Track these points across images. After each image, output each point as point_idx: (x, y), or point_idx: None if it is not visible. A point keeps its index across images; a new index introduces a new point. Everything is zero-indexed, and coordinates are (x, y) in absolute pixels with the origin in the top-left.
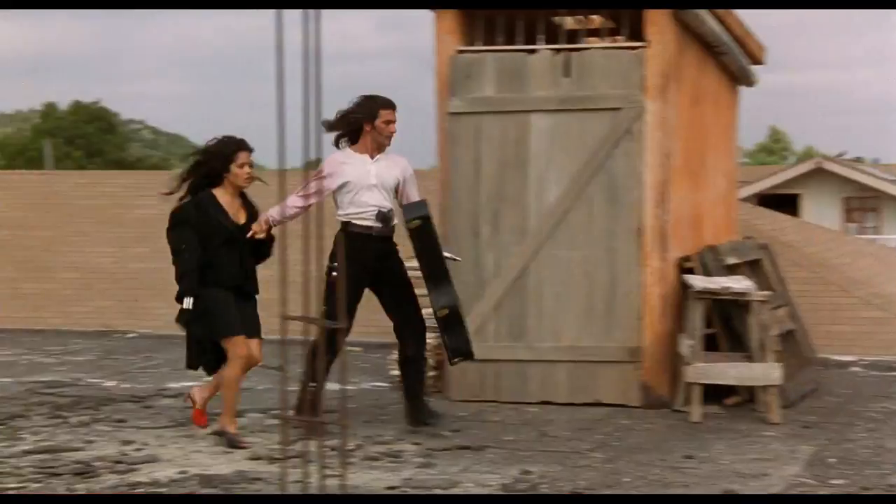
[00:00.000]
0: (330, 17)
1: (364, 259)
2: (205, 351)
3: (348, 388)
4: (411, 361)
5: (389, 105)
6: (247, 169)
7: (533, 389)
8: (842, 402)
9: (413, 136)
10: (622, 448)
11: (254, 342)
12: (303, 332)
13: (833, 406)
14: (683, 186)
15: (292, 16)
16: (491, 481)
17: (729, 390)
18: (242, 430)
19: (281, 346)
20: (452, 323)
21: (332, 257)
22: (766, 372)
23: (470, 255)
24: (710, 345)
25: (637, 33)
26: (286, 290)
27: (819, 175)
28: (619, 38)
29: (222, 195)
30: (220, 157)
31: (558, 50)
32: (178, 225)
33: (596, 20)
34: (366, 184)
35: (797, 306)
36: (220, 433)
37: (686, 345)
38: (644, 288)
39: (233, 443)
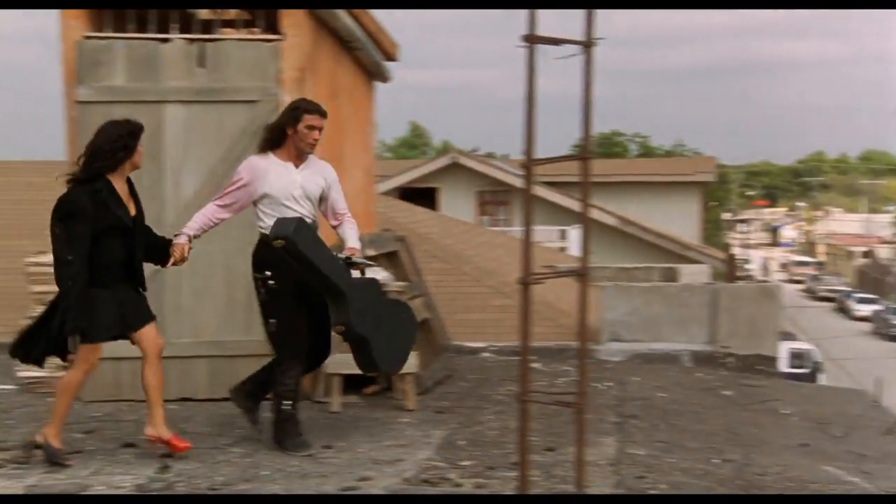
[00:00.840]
0: None
1: (292, 268)
2: (50, 346)
3: None
4: (269, 372)
5: (315, 110)
6: (142, 148)
7: (172, 386)
8: (473, 386)
9: (45, 126)
10: (262, 442)
11: (149, 327)
12: None
13: (465, 391)
14: None
15: None
16: (125, 483)
17: (368, 380)
18: None
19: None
20: (352, 339)
21: (259, 267)
22: None
23: None
24: None
25: (273, 26)
26: None
27: (455, 169)
28: (255, 29)
29: (119, 183)
30: (124, 137)
31: (192, 40)
32: (69, 217)
33: (231, 11)
34: (289, 194)
35: (434, 296)
36: (41, 445)
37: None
38: None
39: (55, 458)
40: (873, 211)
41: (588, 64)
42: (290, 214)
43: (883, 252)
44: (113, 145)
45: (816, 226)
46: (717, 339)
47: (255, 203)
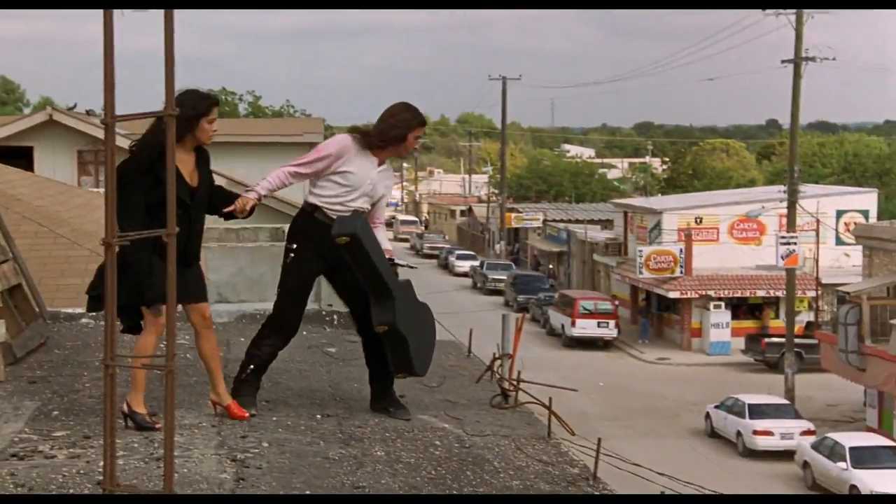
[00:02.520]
0: None
1: (323, 248)
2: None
3: None
4: (371, 344)
5: (424, 124)
6: (215, 125)
7: None
8: (70, 354)
9: None
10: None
11: (202, 306)
12: None
13: (61, 359)
14: None
15: None
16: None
17: None
18: None
19: None
20: (393, 339)
21: (291, 237)
22: None
23: None
24: None
25: None
26: None
27: (52, 127)
28: None
29: (182, 154)
30: (191, 110)
31: None
32: (125, 188)
33: None
34: (360, 187)
35: (24, 261)
36: (127, 415)
37: None
38: None
39: (143, 425)
40: (471, 172)
41: (168, 21)
42: (352, 206)
43: (480, 211)
44: (190, 115)
45: (420, 186)
46: (321, 296)
47: (319, 174)
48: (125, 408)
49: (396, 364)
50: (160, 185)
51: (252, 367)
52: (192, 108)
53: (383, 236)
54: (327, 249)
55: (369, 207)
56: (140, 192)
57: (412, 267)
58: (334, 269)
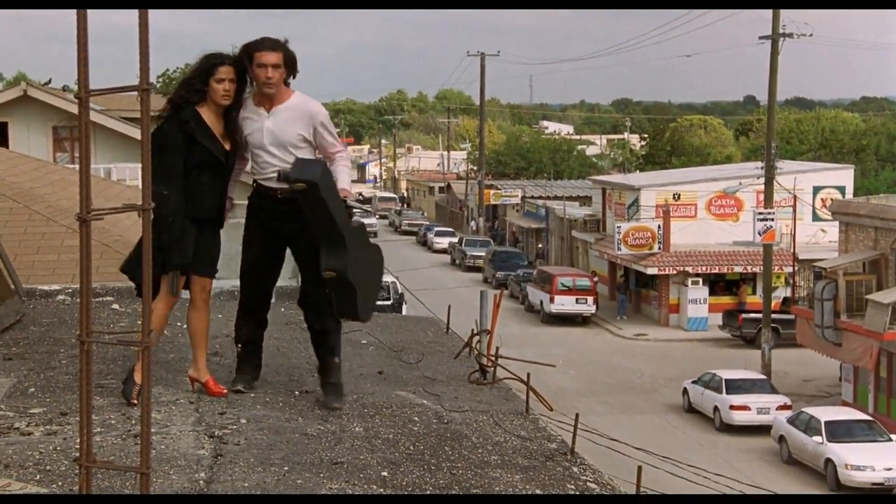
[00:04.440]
0: None
1: (270, 222)
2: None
3: None
4: (315, 333)
5: (262, 45)
6: (226, 85)
7: None
8: (46, 330)
9: None
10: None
11: (206, 279)
12: None
13: (36, 336)
14: None
15: None
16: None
17: None
18: None
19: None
20: (340, 285)
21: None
22: None
23: None
24: None
25: None
26: None
27: (27, 102)
28: None
29: (210, 116)
30: (198, 72)
31: None
32: (160, 150)
33: None
34: (258, 143)
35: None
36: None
37: None
38: None
39: (126, 395)
40: (450, 148)
41: None
42: (269, 163)
43: (458, 187)
44: (197, 76)
45: (399, 163)
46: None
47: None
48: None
49: (340, 310)
50: (197, 147)
51: (238, 346)
52: (197, 68)
53: (343, 172)
54: (267, 219)
55: (296, 154)
56: (176, 154)
57: (367, 211)
58: (290, 243)
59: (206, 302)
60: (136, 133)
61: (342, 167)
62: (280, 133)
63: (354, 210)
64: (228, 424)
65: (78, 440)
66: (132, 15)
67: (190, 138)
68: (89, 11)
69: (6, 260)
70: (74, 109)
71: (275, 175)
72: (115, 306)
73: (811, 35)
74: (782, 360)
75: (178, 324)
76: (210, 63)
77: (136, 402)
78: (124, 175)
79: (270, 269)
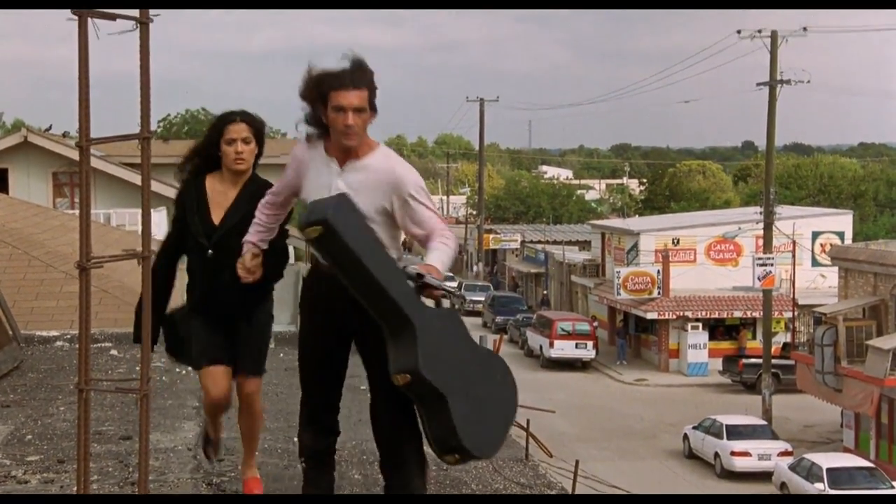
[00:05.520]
0: None
1: (327, 310)
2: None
3: None
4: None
5: (341, 82)
6: (237, 146)
7: None
8: (43, 377)
9: None
10: None
11: (244, 379)
12: None
13: (34, 382)
14: None
15: None
16: None
17: None
18: None
19: None
20: (422, 394)
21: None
22: None
23: None
24: None
25: None
26: None
27: (27, 148)
28: None
29: (213, 182)
30: (210, 133)
31: None
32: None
33: None
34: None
35: None
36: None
37: None
38: None
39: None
40: (449, 193)
41: (144, 40)
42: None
43: (458, 232)
44: (206, 139)
45: None
46: (298, 319)
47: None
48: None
49: (433, 437)
50: (186, 226)
51: (302, 460)
52: (208, 131)
53: (438, 249)
54: (323, 307)
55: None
56: (172, 227)
57: (456, 294)
58: (358, 339)
59: (252, 405)
60: (136, 178)
61: (439, 244)
62: (354, 199)
63: (441, 291)
64: (226, 471)
65: (75, 488)
66: (133, 61)
67: (182, 207)
68: (90, 59)
69: (4, 306)
70: (75, 155)
71: None
72: (114, 352)
73: (808, 81)
74: (783, 405)
75: (177, 370)
76: (220, 122)
77: (216, 459)
78: (124, 220)
79: (332, 371)
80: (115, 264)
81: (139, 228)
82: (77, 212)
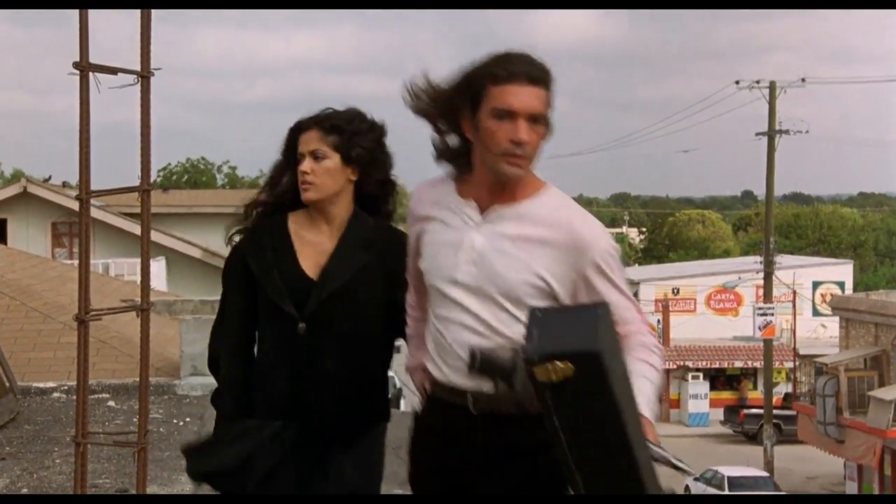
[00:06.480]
0: None
1: (440, 457)
2: None
3: None
4: None
5: (512, 70)
6: (306, 164)
7: None
8: (40, 429)
9: None
10: None
11: None
12: None
13: (31, 435)
14: None
15: None
16: None
17: None
18: None
19: None
20: None
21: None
22: None
23: None
24: None
25: None
26: None
27: (26, 199)
28: None
29: (297, 226)
30: (285, 152)
31: None
32: (224, 285)
33: None
34: (445, 274)
35: None
36: None
37: None
38: None
39: None
40: None
41: (145, 94)
42: (451, 335)
43: None
44: (278, 165)
45: None
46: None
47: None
48: None
49: None
50: (260, 289)
51: None
52: (284, 145)
53: (647, 380)
54: (448, 461)
55: (497, 313)
56: (236, 294)
57: (689, 472)
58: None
59: None
60: (134, 228)
61: (643, 366)
62: (498, 264)
63: (675, 466)
64: None
65: None
66: (134, 111)
67: (257, 260)
68: (91, 110)
69: (1, 357)
70: (74, 206)
71: (465, 358)
72: (111, 403)
73: (807, 131)
74: (785, 456)
75: (175, 420)
76: (292, 135)
77: None
78: (122, 270)
79: None
80: (113, 315)
81: (138, 279)
82: (76, 262)
